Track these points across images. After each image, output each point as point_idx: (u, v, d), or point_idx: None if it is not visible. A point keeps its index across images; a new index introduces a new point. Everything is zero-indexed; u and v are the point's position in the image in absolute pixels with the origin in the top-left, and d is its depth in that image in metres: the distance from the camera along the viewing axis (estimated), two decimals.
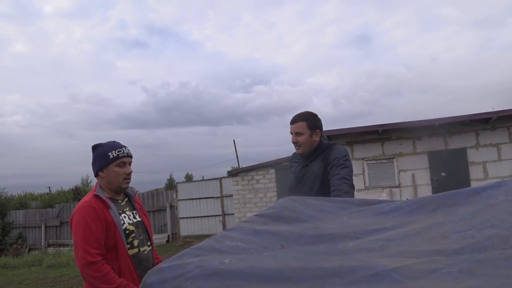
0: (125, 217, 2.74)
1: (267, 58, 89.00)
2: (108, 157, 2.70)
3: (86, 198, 2.69)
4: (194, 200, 18.88)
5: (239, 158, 26.47)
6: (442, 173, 12.25)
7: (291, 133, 3.31)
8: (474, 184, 11.49)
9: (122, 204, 2.83)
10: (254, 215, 1.66)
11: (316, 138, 3.26)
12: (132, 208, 2.89)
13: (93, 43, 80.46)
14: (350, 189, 2.96)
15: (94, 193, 2.67)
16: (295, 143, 3.29)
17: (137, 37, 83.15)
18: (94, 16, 79.35)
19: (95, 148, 2.79)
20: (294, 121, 3.29)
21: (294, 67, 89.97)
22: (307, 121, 3.24)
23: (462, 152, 12.22)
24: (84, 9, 76.99)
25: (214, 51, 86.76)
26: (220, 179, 18.77)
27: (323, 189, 3.11)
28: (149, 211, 19.21)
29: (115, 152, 2.72)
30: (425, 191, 12.22)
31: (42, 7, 72.04)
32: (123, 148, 2.77)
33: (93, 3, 79.23)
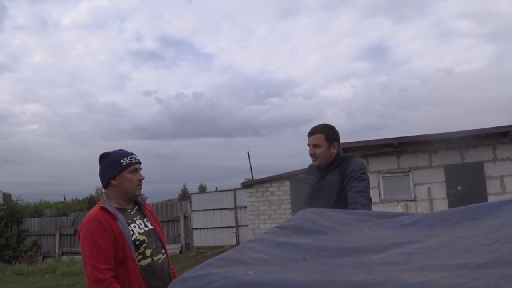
0: (135, 226, 2.63)
1: (281, 70, 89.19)
2: (121, 164, 2.64)
3: (93, 211, 2.58)
4: (208, 211, 18.88)
5: (252, 170, 26.44)
6: (459, 187, 12.12)
7: (308, 145, 3.30)
8: (491, 199, 11.35)
9: (132, 213, 2.73)
10: (275, 226, 1.66)
11: (334, 151, 3.25)
12: (143, 216, 2.79)
13: (109, 54, 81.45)
14: (367, 202, 2.94)
15: (101, 205, 2.56)
16: (312, 155, 3.28)
17: (152, 49, 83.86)
18: (110, 28, 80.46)
19: (104, 156, 2.71)
20: (312, 133, 3.28)
21: (308, 80, 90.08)
22: (325, 133, 3.24)
23: (479, 166, 12.09)
24: (101, 21, 78.16)
25: (229, 63, 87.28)
26: (234, 190, 18.77)
27: (340, 201, 3.10)
28: (162, 221, 19.27)
29: (127, 159, 2.67)
30: (441, 205, 12.08)
31: (60, 19, 73.20)
32: (134, 155, 2.73)
33: (110, 15, 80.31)
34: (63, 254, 20.88)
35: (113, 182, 2.64)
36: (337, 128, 3.34)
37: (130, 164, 2.66)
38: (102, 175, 2.69)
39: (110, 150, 2.77)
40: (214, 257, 1.27)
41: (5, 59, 66.52)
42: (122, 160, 2.65)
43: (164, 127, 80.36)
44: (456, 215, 1.56)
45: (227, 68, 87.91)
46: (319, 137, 3.23)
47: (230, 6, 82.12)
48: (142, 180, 2.76)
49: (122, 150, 2.75)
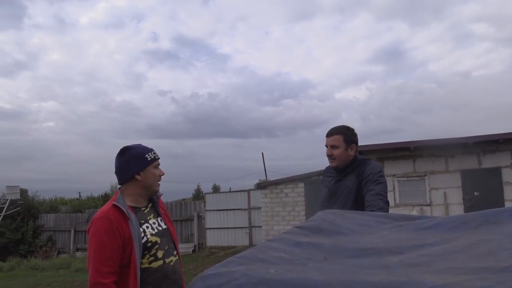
0: (147, 227, 2.52)
1: (296, 72, 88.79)
2: (146, 159, 2.56)
3: (104, 208, 2.46)
4: (222, 211, 18.93)
5: (266, 171, 26.41)
6: (475, 193, 11.99)
7: (326, 145, 3.28)
8: (508, 205, 11.21)
9: (146, 211, 2.61)
10: (295, 227, 1.67)
11: (351, 153, 3.24)
12: (157, 214, 2.68)
13: (125, 54, 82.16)
14: (384, 205, 2.92)
15: (113, 202, 2.43)
16: (330, 156, 3.26)
17: (168, 49, 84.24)
18: (127, 28, 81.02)
19: (126, 150, 2.59)
20: (330, 134, 3.26)
21: (323, 82, 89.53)
22: (343, 134, 3.22)
23: (497, 171, 11.95)
24: (118, 20, 78.88)
25: (244, 64, 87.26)
26: (248, 191, 18.80)
27: (357, 204, 3.08)
28: (176, 220, 19.38)
29: (151, 154, 2.60)
30: (457, 210, 11.96)
31: (78, 19, 73.96)
32: (155, 151, 2.66)
33: (127, 16, 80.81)
34: (77, 250, 21.10)
35: (137, 177, 2.54)
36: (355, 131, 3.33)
37: (154, 159, 2.61)
38: (124, 169, 2.58)
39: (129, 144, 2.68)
40: (235, 255, 1.27)
41: (24, 57, 67.57)
42: (147, 155, 2.58)
43: (179, 127, 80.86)
44: (477, 218, 1.55)
45: (242, 69, 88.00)
46: (337, 138, 3.21)
47: (245, 7, 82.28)
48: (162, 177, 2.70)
49: (141, 145, 2.67)
